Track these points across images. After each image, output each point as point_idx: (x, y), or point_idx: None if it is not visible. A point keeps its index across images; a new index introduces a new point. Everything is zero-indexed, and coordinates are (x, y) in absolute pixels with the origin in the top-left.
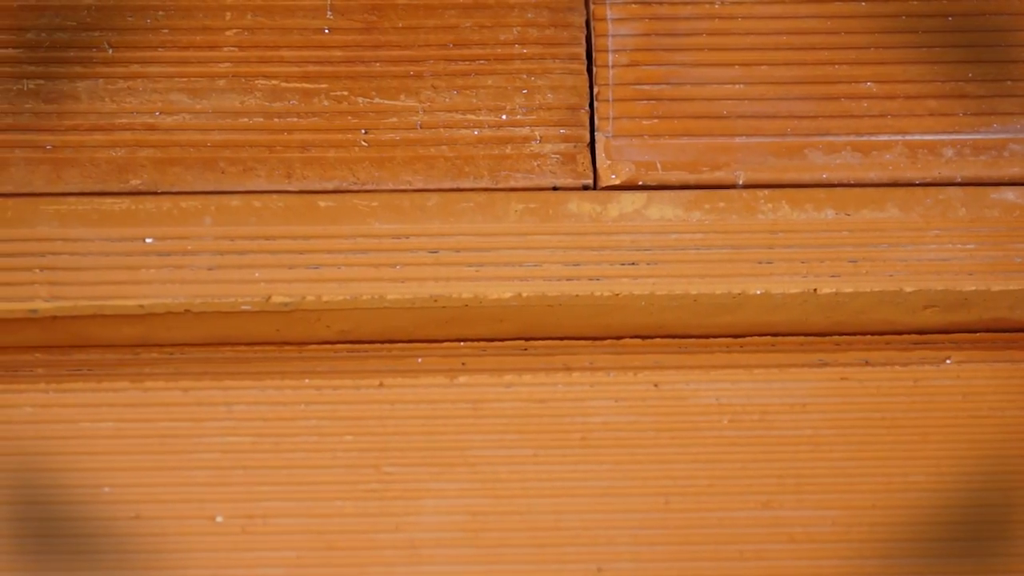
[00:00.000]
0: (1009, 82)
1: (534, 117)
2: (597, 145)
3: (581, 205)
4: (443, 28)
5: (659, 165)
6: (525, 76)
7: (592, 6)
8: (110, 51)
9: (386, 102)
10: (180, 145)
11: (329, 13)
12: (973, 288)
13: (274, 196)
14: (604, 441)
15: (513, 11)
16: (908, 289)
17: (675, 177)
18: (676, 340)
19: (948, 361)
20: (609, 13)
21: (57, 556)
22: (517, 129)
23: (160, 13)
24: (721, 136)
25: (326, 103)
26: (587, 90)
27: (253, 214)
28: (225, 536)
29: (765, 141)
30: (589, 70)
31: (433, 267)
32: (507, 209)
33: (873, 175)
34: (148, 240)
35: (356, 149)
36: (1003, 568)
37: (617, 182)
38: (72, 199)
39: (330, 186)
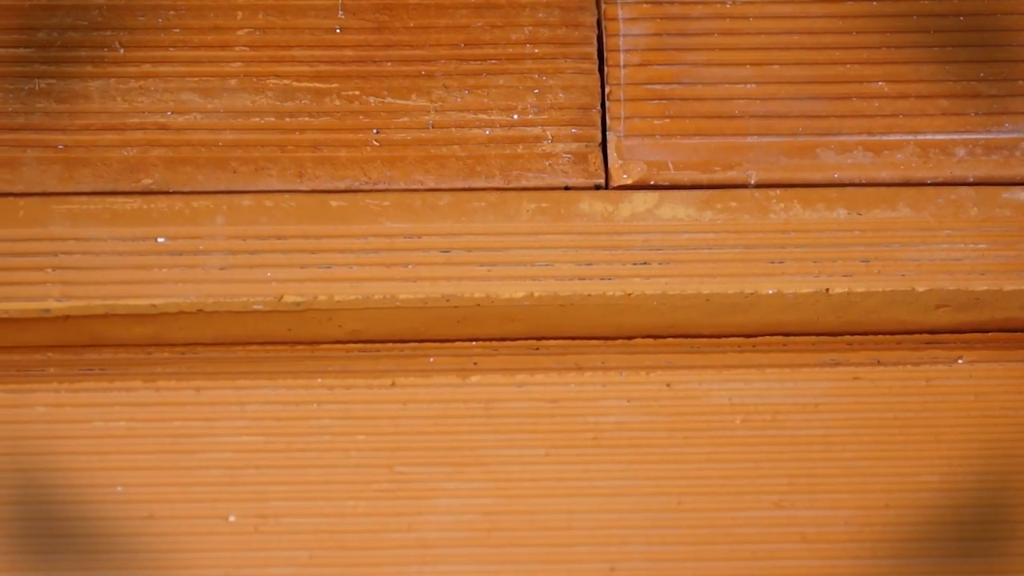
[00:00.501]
0: (1021, 81)
1: (546, 117)
2: (609, 145)
3: (593, 205)
4: (454, 28)
5: (671, 165)
6: (537, 76)
7: (604, 6)
8: (121, 51)
9: (398, 102)
10: (192, 145)
11: (341, 13)
12: (985, 288)
13: (286, 196)
14: (616, 441)
15: (524, 11)
16: (920, 289)
17: (687, 177)
18: (688, 340)
19: (960, 361)
20: (620, 13)
21: (69, 556)
22: (529, 129)
23: (171, 13)
24: (733, 136)
25: (338, 103)
26: (599, 90)
27: (265, 213)
28: (237, 536)
29: (777, 141)
30: (601, 70)
31: (445, 267)
32: (519, 209)
33: (885, 175)
34: (160, 240)
35: (368, 149)
36: (1016, 568)
37: (629, 182)
38: (84, 199)
39: (342, 186)
